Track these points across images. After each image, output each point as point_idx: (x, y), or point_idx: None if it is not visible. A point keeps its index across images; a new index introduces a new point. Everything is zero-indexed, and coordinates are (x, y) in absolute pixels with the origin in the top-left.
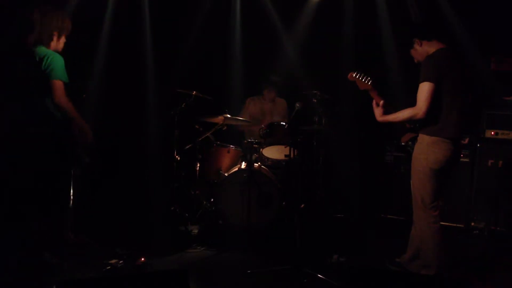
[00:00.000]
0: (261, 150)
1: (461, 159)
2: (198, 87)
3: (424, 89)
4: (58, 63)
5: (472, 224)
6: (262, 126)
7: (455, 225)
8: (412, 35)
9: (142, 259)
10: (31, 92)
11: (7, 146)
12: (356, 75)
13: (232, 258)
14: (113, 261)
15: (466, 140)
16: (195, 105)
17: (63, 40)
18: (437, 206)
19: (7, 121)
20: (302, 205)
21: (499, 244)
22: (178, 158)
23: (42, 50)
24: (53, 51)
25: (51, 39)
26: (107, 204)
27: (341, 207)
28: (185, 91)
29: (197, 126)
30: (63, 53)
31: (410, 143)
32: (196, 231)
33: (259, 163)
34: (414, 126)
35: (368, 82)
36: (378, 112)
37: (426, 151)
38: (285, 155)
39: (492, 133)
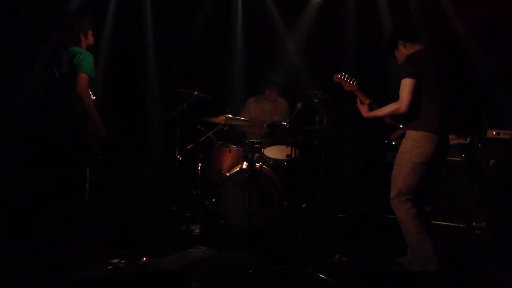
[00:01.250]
0: (262, 150)
1: (463, 159)
2: (200, 87)
3: (406, 84)
4: (88, 59)
5: (474, 224)
6: (264, 126)
7: (456, 225)
8: (397, 38)
9: (144, 258)
10: (62, 87)
11: (27, 138)
12: (341, 77)
13: (233, 258)
14: (115, 261)
15: (468, 140)
16: (196, 105)
17: (90, 35)
18: (412, 199)
19: (30, 114)
20: (304, 205)
21: (500, 244)
22: (180, 158)
23: (75, 49)
24: (86, 50)
25: (81, 41)
26: (108, 204)
27: (342, 207)
28: (187, 91)
29: (198, 126)
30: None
31: (400, 141)
32: (197, 230)
33: (260, 163)
34: (403, 123)
35: (353, 83)
36: (363, 109)
37: (411, 145)
38: (287, 155)
39: (494, 133)
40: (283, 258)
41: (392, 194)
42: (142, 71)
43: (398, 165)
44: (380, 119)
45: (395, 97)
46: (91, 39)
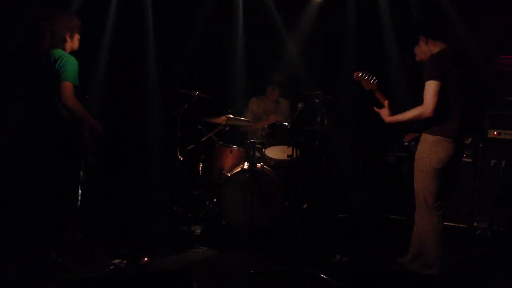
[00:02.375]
0: (263, 150)
1: (464, 159)
2: (201, 88)
3: (431, 87)
4: (71, 65)
5: (475, 224)
6: (265, 126)
7: (457, 225)
8: (419, 32)
9: (145, 259)
10: (42, 92)
11: (16, 145)
12: (362, 75)
13: (234, 258)
14: (116, 261)
15: (469, 140)
16: (197, 105)
17: (77, 38)
18: (441, 206)
19: (16, 120)
20: (305, 205)
21: (501, 245)
22: (181, 158)
23: (58, 52)
24: (69, 53)
25: (65, 41)
26: (110, 204)
27: (344, 207)
28: (188, 92)
29: (199, 127)
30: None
31: (413, 143)
32: (198, 231)
33: (261, 163)
34: (418, 125)
35: (373, 82)
36: (385, 113)
37: (429, 151)
38: (288, 155)
39: (495, 133)
40: (284, 258)
41: (419, 203)
42: (143, 71)
43: (418, 171)
44: (406, 121)
45: (397, 98)
46: (76, 43)
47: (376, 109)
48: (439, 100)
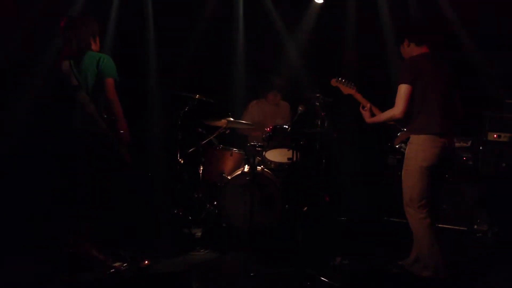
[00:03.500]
0: (264, 153)
1: (464, 162)
2: (201, 91)
3: (401, 91)
4: (111, 63)
5: (475, 227)
6: (265, 129)
7: (458, 228)
8: (404, 34)
9: (146, 261)
10: (83, 95)
11: (57, 145)
12: (337, 81)
13: (235, 261)
14: (117, 263)
15: (469, 143)
16: (198, 108)
17: (98, 40)
18: (426, 204)
19: (57, 121)
20: (305, 208)
21: (502, 247)
22: (181, 161)
23: (96, 54)
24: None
25: (90, 45)
26: (110, 206)
27: (344, 209)
28: (188, 95)
29: (200, 129)
30: None
31: (402, 145)
32: (199, 233)
33: (262, 166)
34: (407, 128)
35: (351, 87)
36: (365, 115)
37: (416, 149)
38: (288, 158)
39: (495, 135)
40: (284, 261)
41: (405, 201)
42: (144, 74)
43: (406, 170)
44: (383, 122)
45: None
46: (98, 44)
47: (361, 110)
48: (408, 102)
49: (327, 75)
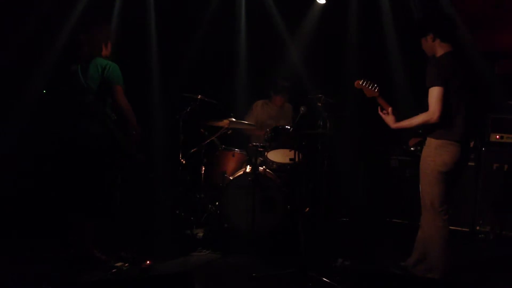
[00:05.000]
0: (266, 153)
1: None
2: (204, 91)
3: (434, 94)
4: (116, 70)
5: (478, 228)
6: (267, 129)
7: (460, 229)
8: (430, 28)
9: (148, 262)
10: (90, 98)
11: (66, 149)
12: (363, 83)
13: (237, 262)
14: (119, 264)
15: (471, 144)
16: (200, 109)
17: (110, 45)
18: (447, 210)
19: (67, 126)
20: (307, 209)
21: (504, 248)
22: (183, 162)
23: (102, 61)
24: (108, 60)
25: (101, 50)
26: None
27: (346, 211)
28: (190, 95)
29: (202, 130)
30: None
31: (418, 148)
32: (201, 234)
33: (264, 167)
34: (422, 130)
35: (375, 90)
36: (390, 119)
37: (434, 154)
38: (290, 159)
39: (497, 136)
40: (286, 262)
41: (425, 206)
42: (146, 74)
43: (424, 174)
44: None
45: (400, 101)
46: (109, 49)
47: (380, 113)
48: (444, 105)
49: (329, 76)
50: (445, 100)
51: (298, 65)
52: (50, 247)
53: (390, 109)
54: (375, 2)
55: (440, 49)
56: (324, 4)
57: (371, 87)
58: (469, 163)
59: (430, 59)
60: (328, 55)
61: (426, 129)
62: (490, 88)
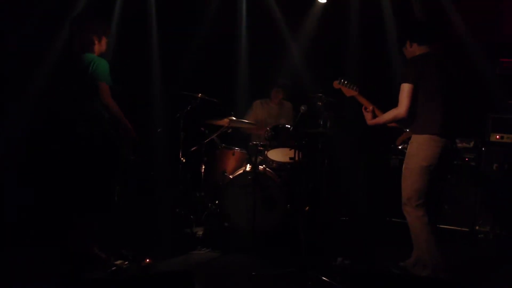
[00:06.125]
0: (266, 152)
1: (467, 163)
2: (204, 90)
3: (404, 90)
4: (102, 67)
5: (477, 228)
6: (267, 128)
7: (459, 229)
8: (405, 35)
9: (148, 260)
10: (81, 95)
11: (59, 146)
12: (339, 83)
13: (236, 260)
14: (118, 262)
15: (472, 144)
16: (200, 107)
17: (104, 41)
18: (423, 204)
19: (58, 122)
20: (307, 208)
21: (504, 248)
22: (184, 160)
23: (89, 56)
24: (98, 56)
25: (94, 44)
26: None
27: (346, 210)
28: (191, 94)
29: (202, 129)
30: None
31: (405, 145)
32: (201, 233)
33: (264, 166)
34: (409, 128)
35: (354, 89)
36: (367, 116)
37: (417, 149)
38: (290, 158)
39: (497, 136)
40: (286, 261)
41: (404, 199)
42: (147, 73)
43: (406, 169)
44: (385, 123)
45: (397, 100)
46: (104, 45)
47: (363, 111)
48: (412, 101)
49: (329, 75)
50: (419, 96)
51: (298, 64)
52: (50, 246)
53: (371, 107)
54: (376, 0)
55: (417, 51)
56: (325, 3)
57: (350, 86)
58: (469, 163)
59: (408, 60)
60: (329, 54)
61: (410, 127)
62: (491, 88)
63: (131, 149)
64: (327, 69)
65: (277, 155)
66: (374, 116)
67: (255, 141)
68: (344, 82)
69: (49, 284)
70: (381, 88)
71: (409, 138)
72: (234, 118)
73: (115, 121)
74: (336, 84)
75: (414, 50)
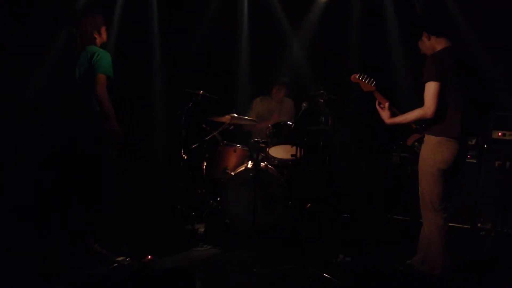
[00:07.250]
0: (267, 149)
1: (468, 160)
2: (205, 87)
3: (430, 89)
4: (105, 59)
5: (479, 225)
6: (269, 125)
7: (461, 226)
8: (422, 28)
9: (149, 257)
10: (81, 88)
11: (52, 137)
12: (359, 77)
13: (237, 257)
14: (120, 258)
15: (473, 141)
16: (202, 104)
17: (104, 32)
18: (446, 208)
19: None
20: (308, 205)
21: (505, 246)
22: (185, 157)
23: (93, 48)
24: (101, 48)
25: (95, 38)
26: (114, 202)
27: (347, 207)
28: (192, 91)
29: (204, 126)
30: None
31: (416, 143)
32: (202, 230)
33: (265, 163)
34: (420, 126)
35: (372, 84)
36: (385, 114)
37: (433, 151)
38: (292, 155)
39: (499, 134)
40: (287, 258)
41: (424, 204)
42: (148, 70)
43: (423, 173)
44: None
45: (401, 97)
46: (104, 35)
47: (378, 106)
48: (439, 101)
49: (331, 72)
50: (441, 96)
51: (300, 61)
52: (51, 242)
53: (387, 104)
54: None
55: (438, 45)
56: (326, 0)
57: (368, 81)
58: (471, 160)
59: (429, 57)
60: (330, 52)
61: (425, 126)
62: (493, 85)
63: (115, 148)
64: (328, 67)
65: (279, 152)
66: (392, 114)
67: (257, 138)
68: (364, 76)
69: (49, 284)
70: (381, 88)
71: (422, 137)
72: (235, 115)
73: (104, 116)
74: (354, 78)
75: (432, 44)
